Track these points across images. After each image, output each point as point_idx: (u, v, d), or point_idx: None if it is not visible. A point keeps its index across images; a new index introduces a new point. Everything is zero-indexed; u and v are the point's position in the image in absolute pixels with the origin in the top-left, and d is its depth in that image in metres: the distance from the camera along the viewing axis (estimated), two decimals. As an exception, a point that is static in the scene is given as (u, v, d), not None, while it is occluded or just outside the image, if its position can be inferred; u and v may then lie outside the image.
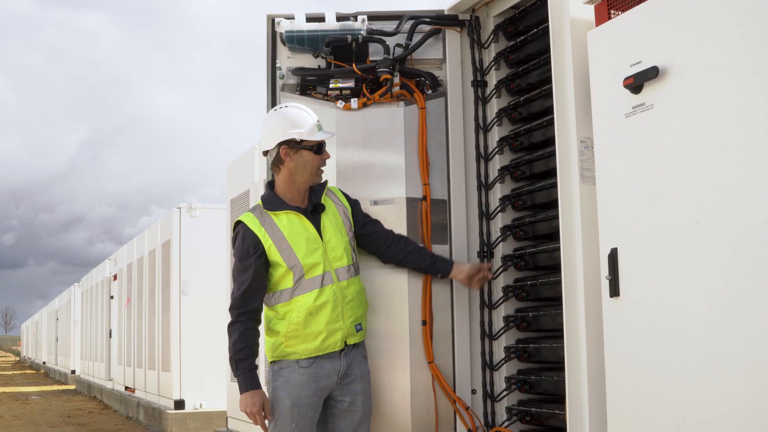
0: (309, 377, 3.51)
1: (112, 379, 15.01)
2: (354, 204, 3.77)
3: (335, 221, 3.66)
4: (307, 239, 3.55)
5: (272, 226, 3.55)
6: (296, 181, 3.60)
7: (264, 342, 3.68)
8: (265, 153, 3.67)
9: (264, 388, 3.61)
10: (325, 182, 3.75)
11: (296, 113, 3.60)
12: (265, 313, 3.65)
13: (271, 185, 3.67)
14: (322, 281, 3.54)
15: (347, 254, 3.63)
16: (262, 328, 3.69)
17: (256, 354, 3.56)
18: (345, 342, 3.57)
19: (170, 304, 10.02)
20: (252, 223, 3.56)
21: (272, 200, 3.61)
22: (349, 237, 3.68)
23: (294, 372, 3.52)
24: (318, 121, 3.62)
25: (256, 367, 3.54)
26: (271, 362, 3.63)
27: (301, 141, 3.55)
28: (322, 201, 3.66)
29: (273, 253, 3.53)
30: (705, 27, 2.63)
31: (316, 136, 3.57)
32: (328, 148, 3.68)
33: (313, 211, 3.62)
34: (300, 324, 3.51)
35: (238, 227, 3.60)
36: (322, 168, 3.64)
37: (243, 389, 3.50)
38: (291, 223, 3.56)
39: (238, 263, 3.57)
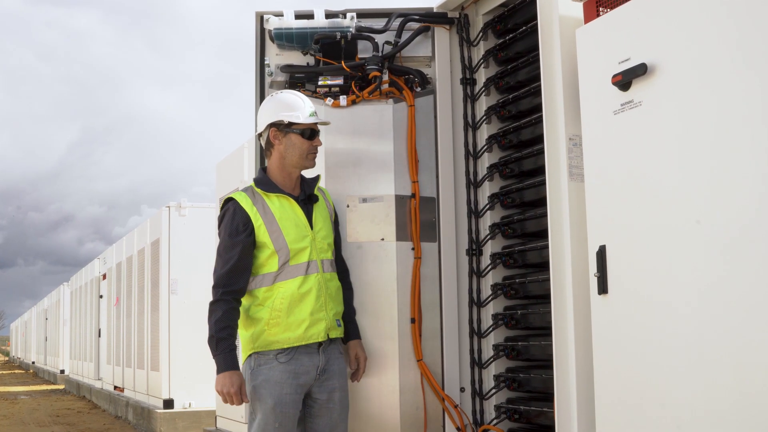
0: (289, 374, 3.46)
1: (101, 378, 14.95)
2: (336, 215, 3.79)
3: (325, 214, 3.67)
4: (296, 225, 3.54)
5: (264, 206, 3.53)
6: (286, 165, 3.59)
7: (240, 336, 3.59)
8: (260, 136, 3.69)
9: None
10: (318, 176, 3.74)
11: (289, 97, 3.63)
12: (242, 302, 3.57)
13: (264, 170, 3.67)
14: (307, 269, 3.51)
15: (332, 249, 3.64)
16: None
17: (236, 335, 3.49)
18: (327, 334, 3.53)
19: (159, 303, 9.99)
20: (244, 201, 3.53)
21: (265, 182, 3.60)
22: (334, 234, 3.68)
23: (273, 369, 3.46)
24: (311, 107, 3.62)
25: (235, 348, 3.47)
26: (247, 357, 3.54)
27: (290, 124, 3.56)
28: (315, 194, 3.66)
29: (262, 234, 3.49)
30: (693, 24, 2.63)
31: (306, 120, 3.57)
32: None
33: (306, 201, 3.62)
34: (283, 311, 3.47)
35: (229, 204, 3.57)
36: (313, 153, 3.62)
37: (221, 369, 3.42)
38: (283, 207, 3.54)
39: (227, 239, 3.50)
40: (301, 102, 3.61)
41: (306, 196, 3.63)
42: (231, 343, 3.46)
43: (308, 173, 3.74)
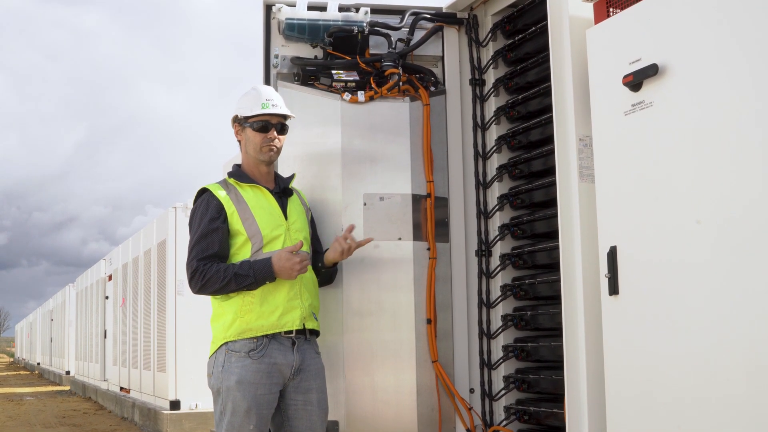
0: (262, 374, 3.38)
1: (107, 379, 14.96)
2: (312, 218, 3.78)
3: (300, 210, 3.66)
4: (270, 213, 3.52)
5: (237, 195, 3.52)
6: (251, 159, 3.60)
7: (211, 328, 3.53)
8: None
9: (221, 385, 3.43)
10: (293, 175, 3.72)
11: (250, 92, 3.62)
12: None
13: (240, 165, 3.68)
14: None
15: (307, 242, 3.59)
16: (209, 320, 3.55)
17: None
18: (303, 324, 3.47)
19: (166, 304, 9.99)
20: (216, 190, 3.53)
21: (239, 174, 3.61)
22: (310, 230, 3.66)
23: (246, 369, 3.37)
24: (268, 100, 3.56)
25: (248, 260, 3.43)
26: (218, 349, 3.47)
27: (246, 118, 3.57)
28: (290, 188, 3.66)
29: (235, 221, 3.47)
30: (704, 24, 2.63)
31: (253, 112, 3.55)
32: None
33: (281, 194, 3.61)
34: (256, 298, 3.42)
35: (203, 195, 3.55)
36: (267, 147, 3.55)
37: (267, 267, 3.37)
38: (256, 197, 3.54)
39: (205, 225, 3.46)
40: (256, 94, 3.59)
41: (281, 189, 3.63)
42: (243, 263, 3.40)
43: (284, 172, 3.73)
